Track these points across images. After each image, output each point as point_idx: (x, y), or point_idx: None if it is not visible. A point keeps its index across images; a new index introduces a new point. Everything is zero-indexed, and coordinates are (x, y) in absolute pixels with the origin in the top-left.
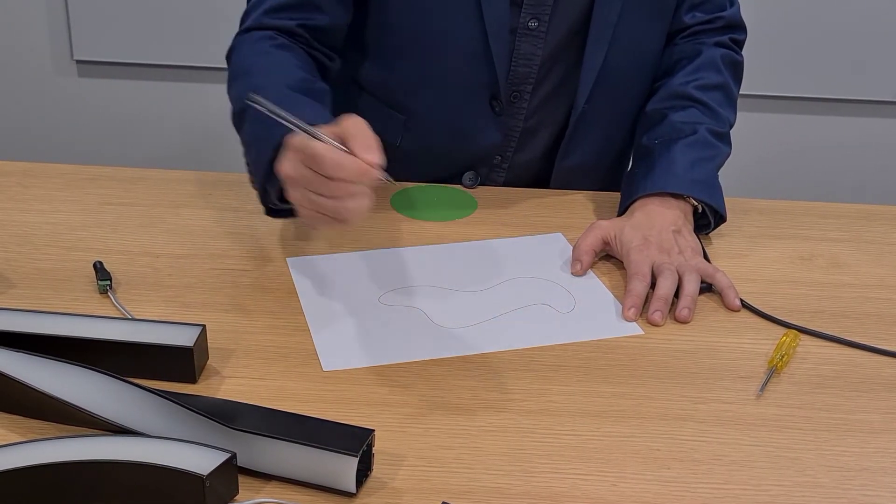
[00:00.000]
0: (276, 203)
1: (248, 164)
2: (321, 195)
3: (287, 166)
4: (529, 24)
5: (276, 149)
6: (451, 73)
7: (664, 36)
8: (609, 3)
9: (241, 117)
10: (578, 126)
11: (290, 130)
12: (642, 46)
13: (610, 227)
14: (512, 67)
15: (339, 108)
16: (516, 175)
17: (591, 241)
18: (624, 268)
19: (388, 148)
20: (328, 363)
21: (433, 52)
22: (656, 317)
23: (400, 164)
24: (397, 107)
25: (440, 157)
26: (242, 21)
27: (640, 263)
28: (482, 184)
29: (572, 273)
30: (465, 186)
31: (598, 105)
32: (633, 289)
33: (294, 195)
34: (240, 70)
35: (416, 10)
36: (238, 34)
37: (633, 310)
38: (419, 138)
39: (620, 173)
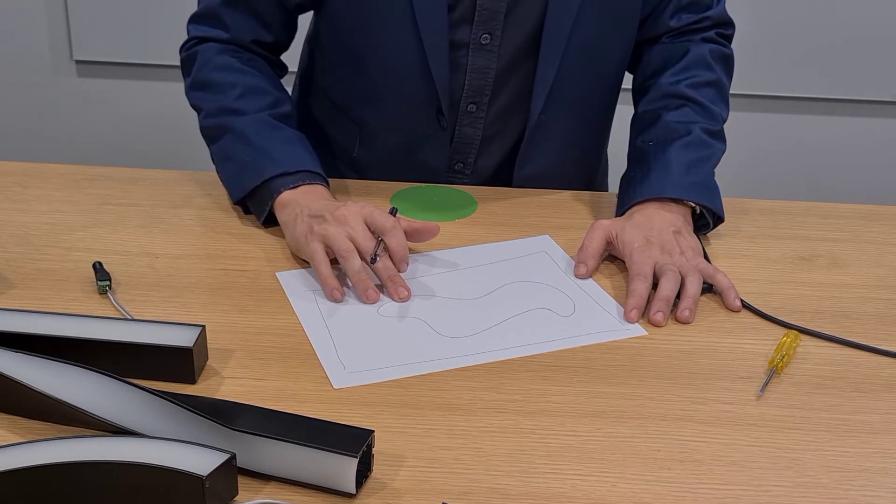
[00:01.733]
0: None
1: (219, 171)
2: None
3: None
4: (482, 39)
5: (260, 183)
6: (396, 88)
7: (626, 42)
8: (562, 16)
9: (218, 131)
10: (535, 136)
11: (271, 164)
12: (599, 55)
13: (611, 227)
14: (467, 81)
15: (305, 115)
16: (481, 181)
17: (598, 245)
18: (625, 270)
19: (345, 157)
20: (339, 381)
21: (379, 67)
22: (658, 317)
23: (357, 174)
24: (352, 117)
25: (393, 167)
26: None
27: (642, 264)
28: None
29: (576, 275)
30: None
31: (555, 115)
32: (636, 290)
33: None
34: (211, 82)
35: (359, 26)
36: (198, 38)
37: (635, 311)
38: (372, 149)
39: (585, 176)
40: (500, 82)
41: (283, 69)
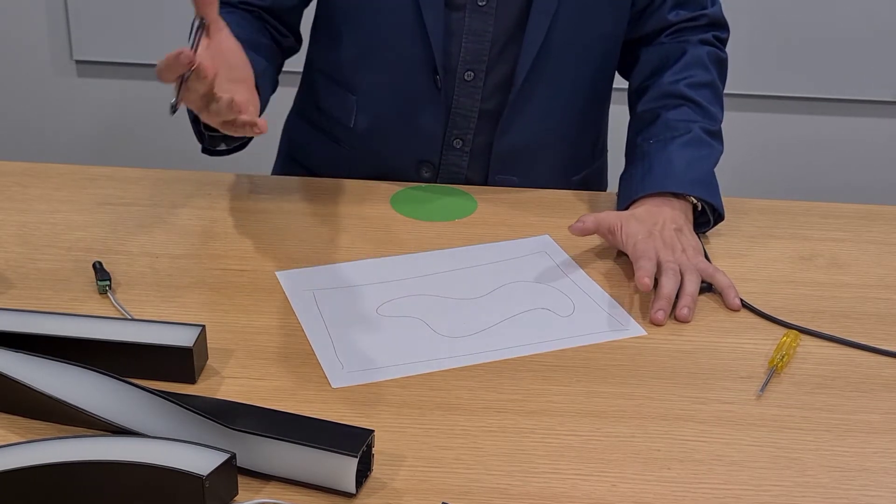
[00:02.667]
0: (214, 145)
1: (190, 118)
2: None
3: None
4: (479, 1)
5: None
6: (391, 50)
7: (616, 20)
8: None
9: None
10: (515, 105)
11: None
12: (587, 27)
13: (616, 218)
14: (464, 44)
15: (303, 91)
16: (480, 162)
17: (601, 217)
18: (625, 270)
19: (344, 130)
20: (337, 381)
21: (374, 27)
22: (659, 316)
23: (356, 147)
24: (348, 86)
25: (390, 136)
26: None
27: (646, 250)
28: (445, 169)
29: (570, 229)
30: (423, 179)
31: (538, 85)
32: (643, 266)
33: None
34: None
35: None
36: None
37: (647, 279)
38: (370, 117)
39: (570, 165)
40: (497, 49)
41: (284, 35)
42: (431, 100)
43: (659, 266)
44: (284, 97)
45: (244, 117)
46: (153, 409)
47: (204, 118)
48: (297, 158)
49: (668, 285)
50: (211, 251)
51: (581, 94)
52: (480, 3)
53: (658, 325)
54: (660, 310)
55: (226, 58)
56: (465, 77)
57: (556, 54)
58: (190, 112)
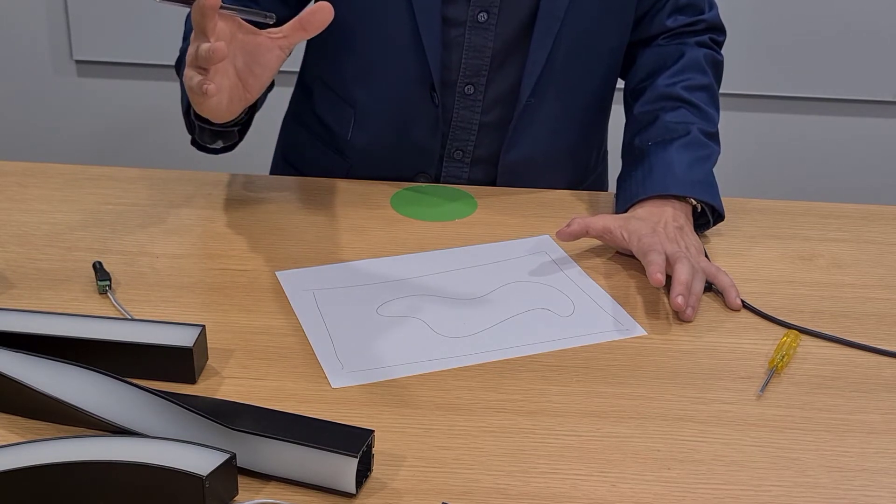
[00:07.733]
0: (205, 141)
1: (182, 108)
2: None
3: None
4: (479, 17)
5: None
6: (389, 65)
7: (619, 33)
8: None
9: (180, 65)
10: (521, 120)
11: None
12: (592, 42)
13: (615, 219)
14: (464, 59)
15: (300, 95)
16: (481, 172)
17: (591, 220)
18: (625, 270)
19: (341, 141)
20: (337, 381)
21: (372, 45)
22: (679, 300)
23: (352, 159)
24: (348, 99)
25: (387, 149)
26: None
27: (654, 244)
28: (445, 181)
29: (558, 234)
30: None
31: (544, 100)
32: (654, 260)
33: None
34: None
35: (353, 3)
36: None
37: (659, 275)
38: (367, 131)
39: (574, 174)
40: (497, 64)
41: None
42: (429, 115)
43: (671, 256)
44: (282, 97)
45: (208, 61)
46: (153, 409)
47: (188, 63)
48: (291, 162)
49: (685, 271)
50: (211, 251)
51: (588, 106)
52: (481, 20)
53: (679, 310)
54: (679, 294)
55: (254, 51)
56: (466, 91)
57: (561, 70)
58: (183, 101)
